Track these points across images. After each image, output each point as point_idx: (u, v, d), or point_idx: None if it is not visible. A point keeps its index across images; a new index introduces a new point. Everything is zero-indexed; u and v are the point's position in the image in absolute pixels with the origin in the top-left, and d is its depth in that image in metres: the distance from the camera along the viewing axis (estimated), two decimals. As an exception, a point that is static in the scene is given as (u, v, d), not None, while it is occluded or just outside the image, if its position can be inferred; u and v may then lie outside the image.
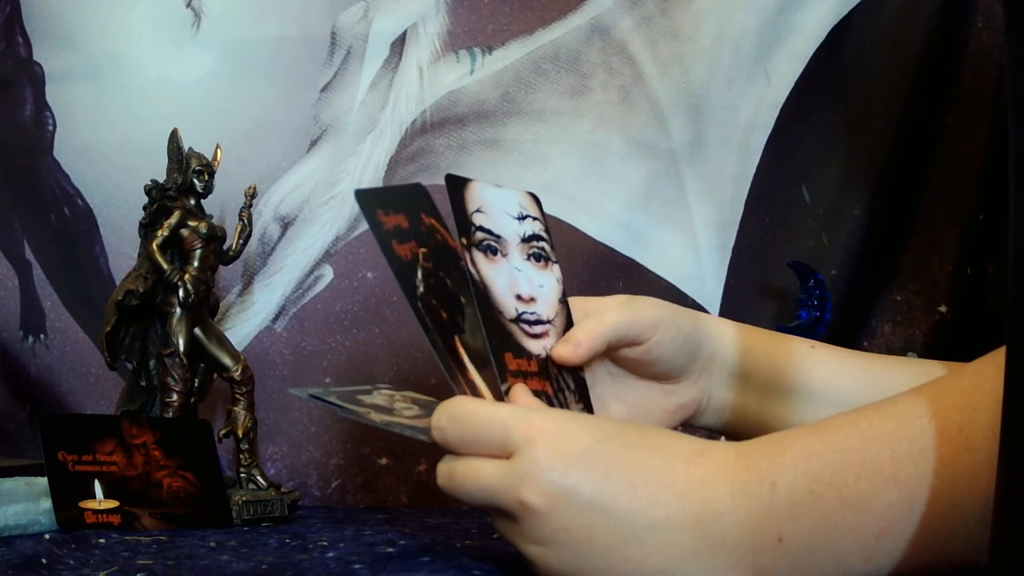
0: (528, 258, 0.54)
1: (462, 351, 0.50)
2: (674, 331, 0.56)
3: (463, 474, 0.46)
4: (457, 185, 0.52)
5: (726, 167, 0.92)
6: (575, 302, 0.56)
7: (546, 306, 0.54)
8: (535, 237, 0.55)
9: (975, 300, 0.89)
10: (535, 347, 0.53)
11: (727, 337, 0.59)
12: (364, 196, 0.50)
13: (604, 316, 0.55)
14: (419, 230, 0.51)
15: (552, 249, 0.56)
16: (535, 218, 0.56)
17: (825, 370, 0.58)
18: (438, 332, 0.49)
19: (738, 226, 0.92)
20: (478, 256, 0.51)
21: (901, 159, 0.91)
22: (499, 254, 0.53)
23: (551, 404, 0.52)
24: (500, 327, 0.51)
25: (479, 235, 0.52)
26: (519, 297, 0.53)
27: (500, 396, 0.50)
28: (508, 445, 0.44)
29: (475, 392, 0.49)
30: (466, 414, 0.46)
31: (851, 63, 0.92)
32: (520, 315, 0.52)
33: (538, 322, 0.53)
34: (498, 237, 0.53)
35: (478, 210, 0.52)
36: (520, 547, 0.44)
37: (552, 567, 0.43)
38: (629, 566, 0.42)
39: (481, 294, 0.51)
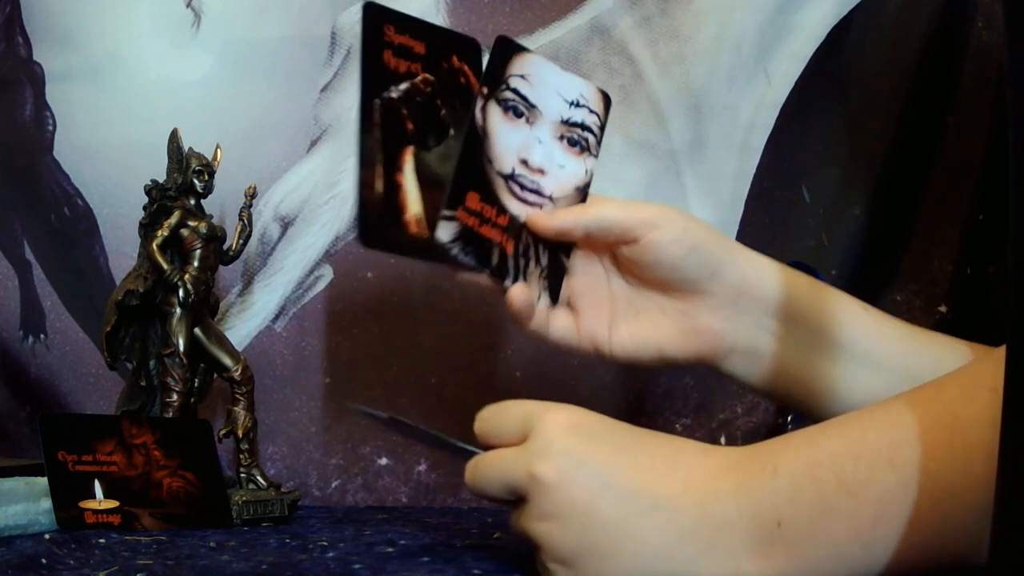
0: (561, 138, 0.56)
1: (407, 159, 0.52)
2: (677, 234, 0.54)
3: (485, 463, 0.48)
4: (507, 49, 0.54)
5: (726, 167, 0.92)
6: (594, 197, 0.57)
7: (556, 184, 0.56)
8: (581, 126, 0.56)
9: (975, 300, 0.89)
10: (516, 208, 0.55)
11: (768, 275, 0.56)
12: (373, 9, 0.52)
13: (594, 204, 0.56)
14: (439, 63, 0.54)
15: (598, 145, 0.57)
16: (593, 111, 0.57)
17: (872, 334, 0.55)
18: (384, 131, 0.52)
19: (738, 226, 0.92)
20: (493, 108, 0.54)
21: (901, 159, 0.91)
22: (523, 119, 0.55)
23: (504, 260, 0.54)
24: (479, 170, 0.54)
25: (507, 94, 0.54)
26: (525, 162, 0.55)
27: (434, 216, 0.52)
28: (526, 428, 0.46)
29: (390, 191, 0.51)
30: (496, 409, 0.49)
31: (851, 63, 0.92)
32: (515, 174, 0.55)
33: (535, 192, 0.55)
34: (531, 106, 0.55)
35: (522, 76, 0.55)
36: (528, 530, 0.45)
37: (556, 543, 0.44)
38: (630, 542, 0.42)
39: (474, 137, 0.53)
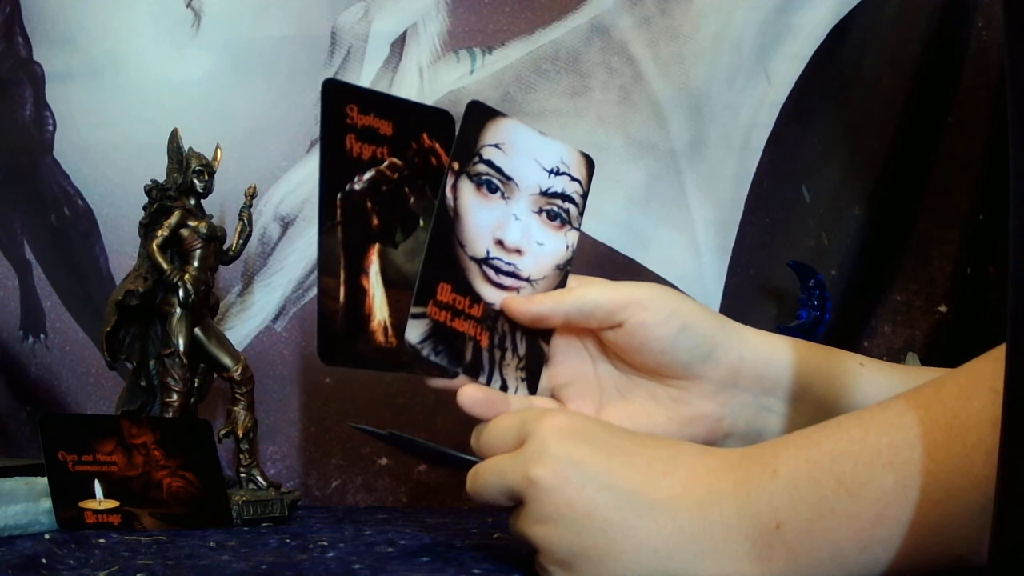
0: (539, 212, 0.52)
1: (372, 259, 0.50)
2: (666, 315, 0.51)
3: (484, 470, 0.48)
4: (481, 114, 0.50)
5: (726, 167, 0.92)
6: (576, 279, 0.54)
7: (534, 265, 0.52)
8: (562, 196, 0.52)
9: (975, 300, 0.89)
10: (491, 295, 0.51)
11: (765, 352, 0.53)
12: (334, 88, 0.49)
13: (575, 289, 0.52)
14: (407, 144, 0.50)
15: (580, 216, 0.53)
16: (575, 179, 0.53)
17: (878, 393, 0.52)
18: (346, 230, 0.49)
19: (738, 226, 0.92)
20: (465, 185, 0.50)
21: (901, 159, 0.91)
22: (498, 193, 0.51)
23: (478, 354, 0.51)
24: (450, 258, 0.50)
25: (480, 167, 0.50)
26: (500, 243, 0.51)
27: (401, 320, 0.49)
28: (522, 434, 0.46)
29: (354, 298, 0.49)
30: (493, 422, 0.49)
31: (851, 63, 0.92)
32: (490, 258, 0.51)
33: (512, 275, 0.52)
34: (507, 178, 0.51)
35: (496, 146, 0.50)
36: (527, 533, 0.45)
37: (555, 546, 0.44)
38: (627, 543, 0.42)
39: (445, 221, 0.50)
